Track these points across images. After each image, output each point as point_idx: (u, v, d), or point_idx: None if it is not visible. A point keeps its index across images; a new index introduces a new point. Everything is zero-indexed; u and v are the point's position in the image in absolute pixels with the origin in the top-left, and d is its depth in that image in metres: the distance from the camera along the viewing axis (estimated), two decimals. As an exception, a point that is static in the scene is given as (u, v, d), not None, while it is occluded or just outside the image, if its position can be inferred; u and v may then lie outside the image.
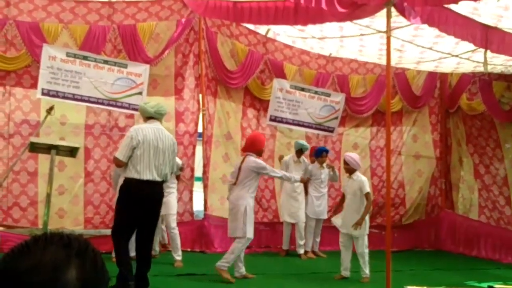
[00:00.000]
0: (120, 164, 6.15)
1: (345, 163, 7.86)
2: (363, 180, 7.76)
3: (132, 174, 6.09)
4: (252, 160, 7.48)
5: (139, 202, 6.13)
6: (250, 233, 7.45)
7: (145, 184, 6.11)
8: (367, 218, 7.73)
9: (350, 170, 7.80)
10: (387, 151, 7.36)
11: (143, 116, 6.50)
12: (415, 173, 11.57)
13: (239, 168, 7.53)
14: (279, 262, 9.18)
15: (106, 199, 9.08)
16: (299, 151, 9.63)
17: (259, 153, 7.68)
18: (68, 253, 1.34)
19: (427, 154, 11.63)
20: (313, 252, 9.73)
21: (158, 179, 6.20)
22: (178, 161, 8.43)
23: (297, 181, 8.33)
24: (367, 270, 7.83)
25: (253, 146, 7.61)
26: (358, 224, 7.54)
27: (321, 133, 10.98)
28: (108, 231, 8.73)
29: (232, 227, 7.48)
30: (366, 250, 7.77)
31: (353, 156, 7.91)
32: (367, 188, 7.70)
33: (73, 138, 8.74)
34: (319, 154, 9.69)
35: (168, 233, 8.52)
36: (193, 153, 9.86)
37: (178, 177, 8.68)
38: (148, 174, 6.11)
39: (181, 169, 8.63)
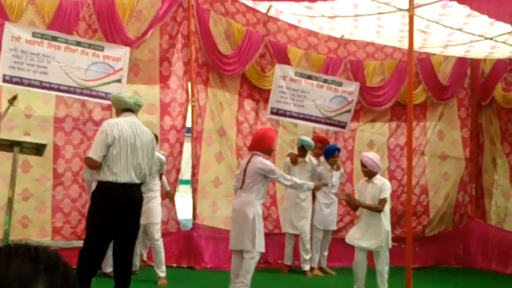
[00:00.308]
0: (94, 165, 6.19)
1: (363, 165, 7.78)
2: (386, 183, 7.74)
3: (107, 176, 6.15)
4: (259, 160, 7.54)
5: (115, 209, 6.19)
6: (261, 247, 7.52)
7: (122, 188, 6.18)
8: (389, 228, 7.76)
9: (369, 173, 7.73)
10: (408, 151, 7.43)
11: (117, 108, 6.54)
12: (440, 177, 11.66)
13: (245, 170, 7.61)
14: (280, 280, 9.28)
15: (78, 205, 9.10)
16: (302, 149, 9.69)
17: (267, 153, 7.76)
18: (36, 268, 1.34)
19: (455, 154, 11.73)
20: (320, 268, 9.86)
21: (136, 181, 6.29)
22: (161, 156, 8.57)
23: (310, 189, 8.36)
24: None
25: (260, 144, 7.65)
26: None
27: (331, 128, 11.11)
28: (80, 243, 8.75)
29: (237, 239, 7.53)
30: (387, 268, 7.82)
31: (371, 156, 7.83)
32: (386, 193, 7.65)
33: (40, 134, 8.70)
34: (330, 153, 9.79)
35: (151, 245, 8.61)
36: (180, 152, 9.90)
37: (161, 176, 8.77)
38: (125, 176, 6.18)
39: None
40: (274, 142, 7.96)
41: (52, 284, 1.35)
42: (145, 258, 9.34)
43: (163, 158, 8.62)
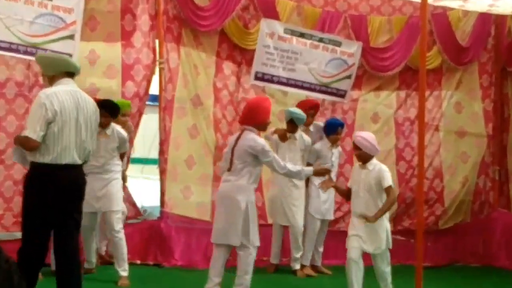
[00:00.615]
0: (33, 146, 6.03)
1: (356, 147, 7.64)
2: (383, 169, 7.56)
3: (44, 158, 6.04)
4: (251, 137, 7.52)
5: (55, 195, 6.11)
6: (257, 240, 7.59)
7: (63, 170, 6.11)
8: (388, 226, 7.73)
9: (364, 157, 7.59)
10: (420, 125, 7.43)
11: (51, 72, 6.29)
12: (457, 157, 11.70)
13: (233, 148, 7.60)
14: (266, 281, 9.22)
15: (21, 188, 8.98)
16: (291, 124, 9.61)
17: (261, 128, 7.82)
18: None
19: (475, 130, 11.77)
20: (314, 267, 9.87)
21: (79, 161, 6.24)
22: (121, 131, 8.54)
23: (310, 175, 8.22)
24: None
25: (253, 117, 7.65)
26: (375, 217, 7.36)
27: (328, 98, 11.07)
28: None
29: (224, 231, 7.52)
30: (388, 269, 7.80)
31: (366, 136, 7.68)
32: (389, 181, 7.50)
33: (-25, 101, 8.66)
34: (332, 129, 9.77)
35: (110, 238, 8.58)
36: (137, 124, 9.82)
37: (122, 157, 8.75)
38: (67, 156, 6.10)
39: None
40: (269, 114, 7.84)
41: None
42: (103, 253, 9.31)
43: (124, 134, 8.57)
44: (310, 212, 9.78)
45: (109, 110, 8.27)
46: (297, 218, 9.64)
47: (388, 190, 7.44)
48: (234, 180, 7.50)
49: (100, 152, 8.25)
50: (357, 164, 7.89)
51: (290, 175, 7.86)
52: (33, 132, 5.96)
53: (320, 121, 10.31)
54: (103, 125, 8.22)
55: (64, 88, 6.18)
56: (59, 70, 6.27)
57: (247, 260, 7.49)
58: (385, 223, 7.62)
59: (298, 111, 9.59)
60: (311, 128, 10.07)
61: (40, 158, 6.06)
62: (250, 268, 7.53)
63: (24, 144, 6.13)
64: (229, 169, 7.58)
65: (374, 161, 7.62)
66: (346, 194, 7.93)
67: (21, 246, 6.20)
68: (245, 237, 7.43)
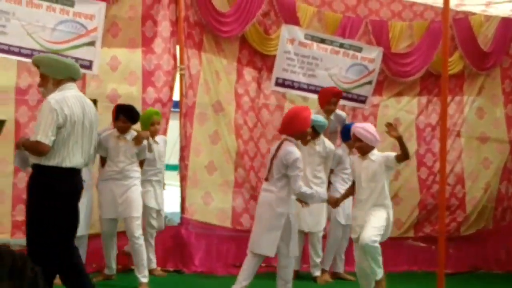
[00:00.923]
0: (45, 151, 6.01)
1: (356, 138, 7.60)
2: (385, 155, 7.58)
3: (50, 161, 6.03)
4: (288, 149, 7.49)
5: (67, 201, 6.17)
6: (296, 251, 7.71)
7: (68, 174, 6.14)
8: (391, 216, 7.69)
9: (364, 148, 7.57)
10: (442, 131, 7.40)
11: (58, 76, 6.24)
12: (479, 163, 11.62)
13: (272, 158, 7.63)
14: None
15: None
16: (312, 130, 9.45)
17: (300, 137, 7.79)
18: None
19: (497, 136, 11.70)
20: (336, 273, 9.82)
21: (82, 166, 6.31)
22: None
23: (321, 201, 8.20)
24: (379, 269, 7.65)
25: (290, 127, 7.63)
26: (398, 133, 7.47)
27: (349, 104, 11.00)
28: None
29: (260, 241, 7.57)
30: (376, 245, 7.48)
31: (366, 127, 7.68)
32: (393, 154, 7.55)
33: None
34: (349, 135, 9.67)
35: (130, 244, 8.56)
36: (165, 130, 9.80)
37: (142, 163, 8.72)
38: (72, 160, 6.11)
39: (149, 149, 8.66)
40: (309, 123, 7.85)
41: None
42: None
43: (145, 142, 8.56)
44: (337, 217, 9.68)
45: (127, 115, 8.29)
46: (317, 224, 9.57)
47: (398, 156, 7.43)
48: (275, 192, 7.50)
49: (119, 157, 8.31)
50: (356, 156, 7.94)
51: (302, 196, 7.65)
52: (45, 137, 5.95)
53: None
54: (121, 130, 8.30)
55: (71, 93, 6.19)
56: (68, 75, 6.27)
57: (288, 270, 7.62)
58: (387, 213, 7.60)
59: (320, 118, 9.41)
60: (332, 117, 9.97)
61: (45, 162, 6.05)
62: (290, 277, 7.66)
63: (34, 148, 6.07)
64: (266, 179, 7.63)
65: (376, 151, 7.60)
66: (352, 191, 7.93)
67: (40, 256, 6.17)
68: (286, 247, 7.47)
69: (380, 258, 7.45)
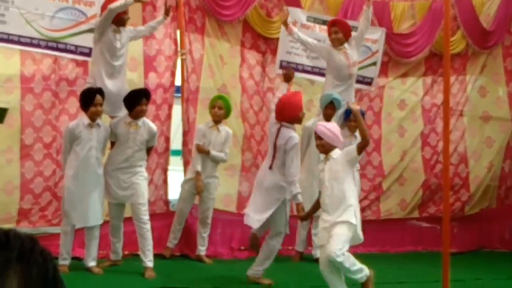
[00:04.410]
0: None
1: (317, 136, 7.18)
2: (345, 149, 7.19)
3: None
4: (286, 135, 7.68)
5: None
6: (282, 228, 7.98)
7: None
8: (357, 204, 7.18)
9: (325, 147, 7.10)
10: (445, 110, 7.38)
11: None
12: (482, 142, 11.50)
13: (274, 145, 7.76)
14: (292, 270, 9.11)
15: (51, 184, 8.99)
16: (328, 109, 9.11)
17: (295, 122, 7.91)
18: (6, 257, 1.34)
19: (500, 114, 11.54)
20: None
21: None
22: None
23: (298, 202, 8.01)
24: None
25: (284, 114, 7.79)
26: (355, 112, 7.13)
27: (355, 85, 10.72)
28: (50, 229, 8.74)
29: (258, 216, 7.80)
30: (341, 259, 6.86)
31: (329, 126, 7.32)
32: (354, 146, 7.20)
33: (4, 96, 8.64)
34: (350, 115, 9.49)
35: (136, 229, 8.42)
36: (169, 116, 9.79)
37: (149, 151, 8.62)
38: None
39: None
40: (300, 108, 7.88)
41: (27, 276, 1.35)
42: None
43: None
44: None
45: (149, 97, 8.38)
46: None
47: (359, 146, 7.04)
48: (277, 180, 7.76)
49: (128, 143, 8.21)
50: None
51: (289, 187, 7.76)
52: None
53: None
54: (143, 114, 8.25)
55: None
56: None
57: (275, 247, 7.97)
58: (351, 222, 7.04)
59: (336, 94, 9.20)
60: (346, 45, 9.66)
61: None
62: (272, 254, 7.99)
63: None
64: (270, 167, 7.78)
65: (338, 150, 7.17)
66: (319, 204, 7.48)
67: None
68: (274, 224, 7.86)
69: (353, 266, 6.90)
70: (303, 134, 9.29)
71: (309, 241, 9.72)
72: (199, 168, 8.92)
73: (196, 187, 8.93)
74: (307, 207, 8.68)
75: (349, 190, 7.00)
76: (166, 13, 8.96)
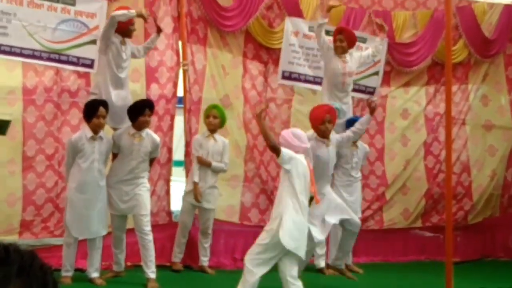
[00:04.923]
0: None
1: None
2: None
3: None
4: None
5: None
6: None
7: None
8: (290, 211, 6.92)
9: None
10: (447, 119, 7.38)
11: None
12: (485, 151, 11.47)
13: None
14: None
15: (53, 195, 8.97)
16: None
17: (317, 133, 8.12)
18: (6, 272, 1.34)
19: (502, 123, 11.52)
20: (345, 266, 9.60)
21: None
22: (156, 137, 8.44)
23: None
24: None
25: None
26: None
27: (357, 95, 10.75)
28: (53, 240, 8.71)
29: None
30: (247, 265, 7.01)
31: (288, 131, 7.42)
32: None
33: (6, 108, 8.63)
34: (351, 126, 9.47)
35: (139, 240, 8.38)
36: (171, 127, 9.76)
37: (152, 162, 8.60)
38: None
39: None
40: (319, 121, 8.12)
41: None
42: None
43: (157, 139, 8.47)
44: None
45: (153, 108, 8.35)
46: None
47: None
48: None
49: (132, 155, 8.17)
50: None
51: None
52: None
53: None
54: (146, 125, 8.22)
55: None
56: None
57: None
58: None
59: (337, 104, 9.22)
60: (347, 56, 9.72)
61: None
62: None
63: None
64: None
65: None
66: None
67: None
68: None
69: (246, 281, 6.92)
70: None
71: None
72: (196, 179, 8.89)
73: (194, 197, 8.90)
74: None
75: (279, 198, 6.96)
76: (158, 31, 8.95)
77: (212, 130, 9.00)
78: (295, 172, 6.83)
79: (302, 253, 6.84)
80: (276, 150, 6.86)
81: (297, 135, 7.21)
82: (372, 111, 8.48)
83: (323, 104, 8.84)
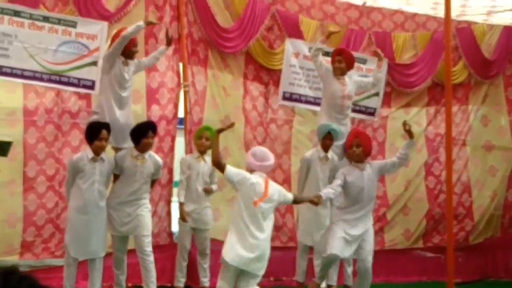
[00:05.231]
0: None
1: None
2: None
3: None
4: None
5: None
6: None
7: None
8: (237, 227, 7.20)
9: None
10: (447, 140, 7.37)
11: None
12: (485, 171, 11.45)
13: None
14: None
15: (53, 216, 8.96)
16: (327, 140, 9.14)
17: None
18: None
19: (502, 143, 11.52)
20: (346, 287, 9.54)
21: None
22: (158, 158, 8.39)
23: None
24: None
25: None
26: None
27: (358, 116, 10.76)
28: (54, 261, 8.68)
29: None
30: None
31: (254, 149, 7.59)
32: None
33: (7, 129, 8.61)
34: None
35: (140, 261, 8.33)
36: (172, 148, 9.73)
37: (153, 183, 8.55)
38: None
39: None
40: (348, 145, 8.30)
41: None
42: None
43: (160, 160, 8.41)
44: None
45: (155, 130, 8.28)
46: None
47: None
48: None
49: (135, 176, 8.09)
50: None
51: None
52: None
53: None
54: (149, 147, 8.15)
55: None
56: None
57: None
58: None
59: (334, 125, 9.17)
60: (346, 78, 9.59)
61: None
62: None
63: None
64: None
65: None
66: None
67: None
68: None
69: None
70: (302, 166, 9.28)
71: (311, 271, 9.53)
72: (182, 199, 8.84)
73: (181, 217, 8.87)
74: (314, 234, 8.83)
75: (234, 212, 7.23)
76: (168, 43, 8.88)
77: (203, 151, 8.93)
78: (240, 190, 7.10)
79: (251, 268, 7.01)
80: (219, 167, 7.11)
81: (254, 153, 7.35)
82: (409, 134, 8.30)
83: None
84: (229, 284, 7.06)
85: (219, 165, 7.04)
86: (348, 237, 7.87)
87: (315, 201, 7.74)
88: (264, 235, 6.98)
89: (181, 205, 8.85)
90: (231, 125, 7.68)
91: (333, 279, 9.32)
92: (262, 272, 7.12)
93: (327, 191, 7.91)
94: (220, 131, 7.16)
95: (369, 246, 8.04)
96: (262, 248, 6.99)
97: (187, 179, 8.86)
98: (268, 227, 7.06)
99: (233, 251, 6.95)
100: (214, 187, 8.99)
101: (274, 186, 7.24)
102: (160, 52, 8.90)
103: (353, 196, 8.00)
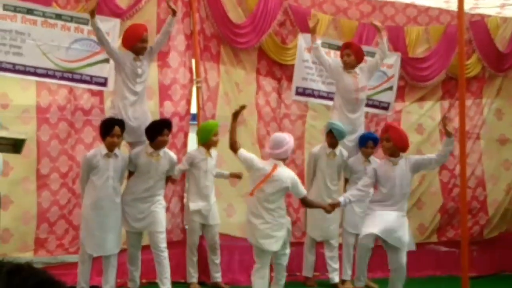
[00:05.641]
0: None
1: None
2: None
3: None
4: None
5: None
6: None
7: None
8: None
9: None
10: (461, 134, 7.32)
11: None
12: (500, 165, 11.41)
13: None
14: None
15: (65, 212, 8.96)
16: (331, 137, 9.24)
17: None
18: None
19: (517, 137, 11.42)
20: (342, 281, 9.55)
21: None
22: (173, 155, 8.44)
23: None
24: None
25: None
26: None
27: (371, 110, 10.70)
28: (68, 258, 8.70)
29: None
30: None
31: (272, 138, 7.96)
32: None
33: (21, 127, 8.59)
34: (363, 143, 9.41)
35: (154, 257, 8.35)
36: (185, 144, 9.72)
37: (167, 180, 8.59)
38: None
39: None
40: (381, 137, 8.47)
41: None
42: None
43: (174, 157, 8.47)
44: (345, 227, 9.42)
45: (171, 128, 8.35)
46: (336, 233, 9.41)
47: None
48: None
49: (150, 173, 8.16)
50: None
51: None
52: None
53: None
54: (164, 144, 8.21)
55: None
56: None
57: None
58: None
59: (338, 123, 9.23)
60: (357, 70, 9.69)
61: None
62: None
63: None
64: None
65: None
66: None
67: None
68: None
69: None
70: (309, 161, 9.46)
71: (319, 265, 9.64)
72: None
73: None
74: (322, 229, 8.84)
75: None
76: (173, 13, 8.65)
77: (212, 147, 9.03)
78: (250, 174, 7.78)
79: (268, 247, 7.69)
80: (234, 147, 7.67)
81: (270, 140, 7.89)
82: (446, 132, 8.07)
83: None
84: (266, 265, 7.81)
85: (234, 144, 7.56)
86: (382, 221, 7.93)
87: (328, 210, 7.85)
88: (272, 217, 7.55)
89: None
90: (243, 107, 7.83)
91: (347, 273, 9.33)
92: (288, 250, 7.95)
93: (347, 196, 8.11)
94: (236, 114, 7.66)
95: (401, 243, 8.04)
96: (276, 228, 7.55)
97: (190, 174, 9.07)
98: (278, 211, 7.59)
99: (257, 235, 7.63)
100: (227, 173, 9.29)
101: (286, 173, 7.52)
102: (169, 24, 8.67)
103: (385, 190, 8.01)
